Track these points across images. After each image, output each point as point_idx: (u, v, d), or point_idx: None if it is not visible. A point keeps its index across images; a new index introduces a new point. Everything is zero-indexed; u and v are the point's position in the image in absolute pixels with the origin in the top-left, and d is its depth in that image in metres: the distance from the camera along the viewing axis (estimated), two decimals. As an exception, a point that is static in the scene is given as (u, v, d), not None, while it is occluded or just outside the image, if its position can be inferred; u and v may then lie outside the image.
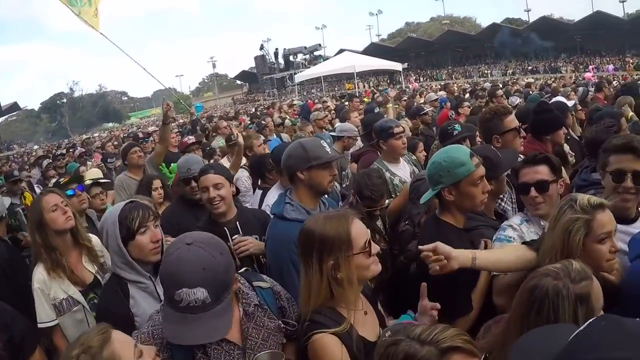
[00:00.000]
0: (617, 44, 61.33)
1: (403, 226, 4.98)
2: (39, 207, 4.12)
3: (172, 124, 10.75)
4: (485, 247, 3.38)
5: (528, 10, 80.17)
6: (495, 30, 68.23)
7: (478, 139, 5.91)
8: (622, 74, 36.19)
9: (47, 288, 3.93)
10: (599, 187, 3.93)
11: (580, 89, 12.91)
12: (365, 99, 18.61)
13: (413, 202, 4.81)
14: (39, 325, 3.87)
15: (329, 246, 2.55)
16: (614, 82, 17.44)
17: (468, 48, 74.16)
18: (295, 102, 28.91)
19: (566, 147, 5.91)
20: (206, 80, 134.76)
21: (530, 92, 14.93)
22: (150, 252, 3.20)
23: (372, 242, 2.67)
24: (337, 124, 9.19)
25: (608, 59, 56.13)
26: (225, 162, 7.88)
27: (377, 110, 10.85)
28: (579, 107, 8.71)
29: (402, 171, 5.86)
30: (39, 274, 3.97)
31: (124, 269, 3.21)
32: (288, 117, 15.94)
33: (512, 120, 5.05)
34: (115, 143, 18.29)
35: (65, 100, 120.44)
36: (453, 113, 8.91)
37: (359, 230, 2.63)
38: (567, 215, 2.82)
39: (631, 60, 43.06)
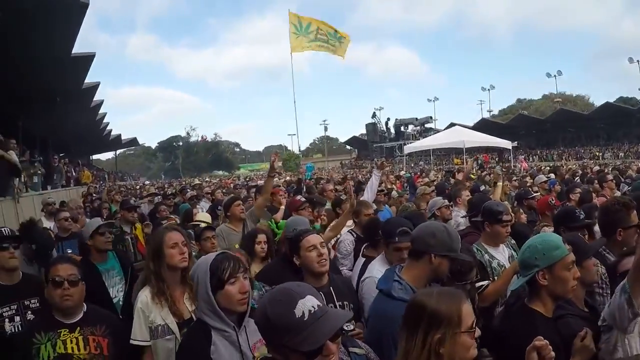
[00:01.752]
0: None
1: (499, 312, 4.95)
2: (160, 240, 4.37)
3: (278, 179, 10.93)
4: (584, 338, 3.28)
5: (643, 89, 77.33)
6: (608, 109, 66.67)
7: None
8: None
9: (147, 310, 4.14)
10: None
11: None
12: (472, 175, 18.27)
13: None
14: (131, 342, 4.08)
15: (439, 320, 2.56)
16: None
17: (580, 128, 72.48)
18: (402, 173, 28.95)
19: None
20: (317, 142, 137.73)
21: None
22: (238, 302, 3.26)
23: (476, 327, 2.67)
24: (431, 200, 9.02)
25: None
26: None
27: (482, 187, 10.78)
28: None
29: (502, 255, 5.73)
30: (144, 296, 4.21)
31: (210, 316, 3.27)
32: (395, 189, 15.79)
33: (636, 215, 4.98)
34: (225, 190, 18.80)
35: (181, 143, 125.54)
36: (553, 199, 8.67)
37: (469, 310, 2.64)
38: None
39: None
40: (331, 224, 7.59)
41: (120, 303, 5.68)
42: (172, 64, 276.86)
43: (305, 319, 2.29)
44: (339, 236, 7.55)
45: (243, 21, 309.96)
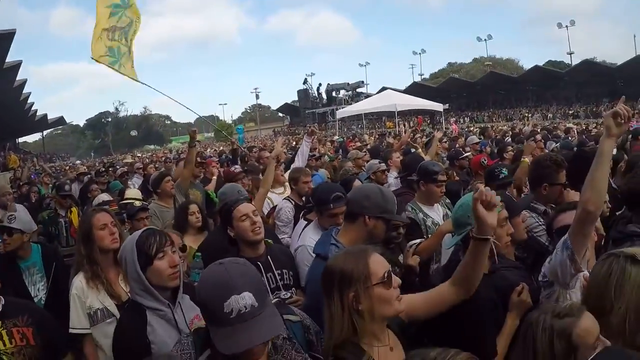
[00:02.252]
0: (661, 89, 60.46)
1: (434, 270, 5.02)
2: (89, 222, 4.31)
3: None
4: (521, 292, 3.43)
5: (571, 53, 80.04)
6: (537, 73, 68.30)
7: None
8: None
9: (84, 296, 4.07)
10: (635, 240, 3.96)
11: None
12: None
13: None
14: (71, 331, 3.99)
15: (349, 278, 2.58)
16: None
17: (510, 90, 74.01)
18: (335, 138, 29.01)
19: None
20: (249, 111, 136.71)
21: (570, 138, 14.74)
22: (169, 277, 3.19)
23: (392, 274, 2.67)
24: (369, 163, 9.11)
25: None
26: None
27: (412, 150, 10.93)
28: (625, 157, 8.51)
29: (436, 213, 5.85)
30: (78, 281, 4.12)
31: (142, 295, 3.19)
32: (328, 154, 15.79)
33: (564, 175, 5.16)
34: (157, 165, 18.43)
35: (110, 119, 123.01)
36: (485, 159, 8.84)
37: (378, 262, 2.65)
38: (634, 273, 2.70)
39: None
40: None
41: (42, 302, 5.39)
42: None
43: (231, 317, 2.24)
44: (275, 204, 7.53)
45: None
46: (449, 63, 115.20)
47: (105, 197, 8.68)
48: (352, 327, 2.58)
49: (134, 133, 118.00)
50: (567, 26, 78.20)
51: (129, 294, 3.87)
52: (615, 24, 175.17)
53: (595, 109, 61.92)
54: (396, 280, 2.67)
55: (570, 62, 78.08)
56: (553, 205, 5.00)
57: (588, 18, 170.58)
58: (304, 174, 7.49)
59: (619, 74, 65.13)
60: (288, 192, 7.80)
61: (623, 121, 3.05)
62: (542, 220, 4.85)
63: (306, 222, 5.65)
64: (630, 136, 11.53)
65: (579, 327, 2.39)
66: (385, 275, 2.61)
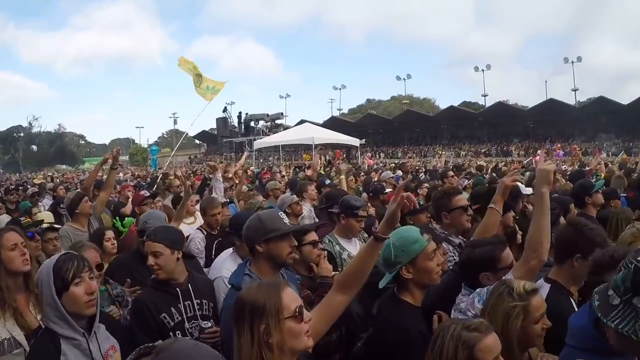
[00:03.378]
0: (567, 131, 64.47)
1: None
2: None
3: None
4: (440, 321, 3.48)
5: (485, 95, 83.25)
6: (452, 112, 70.33)
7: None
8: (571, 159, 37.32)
9: None
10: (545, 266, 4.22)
11: (528, 173, 13.29)
12: (321, 171, 18.60)
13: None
14: None
15: (260, 310, 2.55)
16: (563, 167, 18.00)
17: (425, 128, 75.62)
18: (252, 168, 28.90)
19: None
20: (165, 136, 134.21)
21: (480, 174, 15.13)
22: (85, 304, 3.11)
23: (304, 309, 2.67)
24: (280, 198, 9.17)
25: (558, 144, 57.87)
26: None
27: (327, 181, 11.06)
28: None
29: (353, 247, 5.91)
30: None
31: (57, 323, 3.09)
32: (245, 183, 15.57)
33: (460, 199, 5.43)
34: (69, 186, 17.88)
35: (22, 134, 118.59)
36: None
37: (291, 296, 2.65)
38: (505, 302, 3.02)
39: (578, 147, 45.01)
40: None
41: None
42: (17, 47, 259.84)
43: None
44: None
45: (94, 3, 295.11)
46: (367, 99, 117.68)
47: (5, 218, 8.33)
48: (260, 359, 2.55)
49: (34, 148, 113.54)
50: (483, 70, 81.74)
51: (40, 321, 3.66)
52: (528, 70, 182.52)
53: (506, 148, 64.70)
54: (307, 315, 2.68)
55: (484, 104, 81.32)
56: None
57: (503, 63, 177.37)
58: (213, 205, 7.50)
59: (529, 116, 68.15)
60: (199, 222, 7.78)
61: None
62: (457, 252, 5.01)
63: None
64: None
65: (483, 343, 2.59)
66: (297, 309, 2.61)
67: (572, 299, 3.82)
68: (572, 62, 75.62)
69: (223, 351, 3.08)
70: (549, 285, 3.79)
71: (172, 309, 4.24)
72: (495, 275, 3.65)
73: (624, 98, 62.72)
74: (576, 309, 3.63)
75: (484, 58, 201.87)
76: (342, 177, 11.03)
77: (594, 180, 8.73)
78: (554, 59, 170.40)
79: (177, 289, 4.28)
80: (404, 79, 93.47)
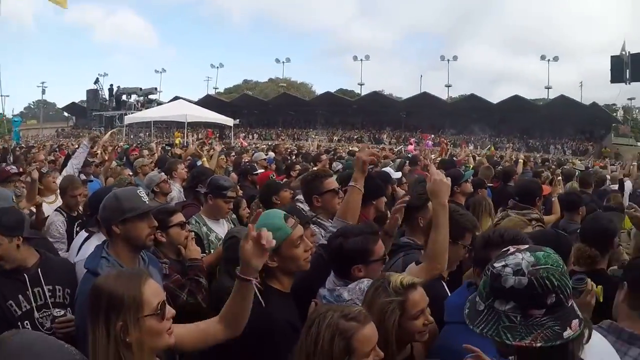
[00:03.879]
0: (438, 123, 67.08)
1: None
2: None
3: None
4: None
5: (362, 84, 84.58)
6: (328, 98, 71.19)
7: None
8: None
9: None
10: (407, 250, 4.59)
11: (398, 160, 13.65)
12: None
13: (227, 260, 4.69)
14: None
15: (118, 305, 2.35)
16: (432, 156, 18.69)
17: (300, 112, 75.96)
18: (120, 144, 27.95)
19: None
20: (32, 107, 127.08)
21: (352, 159, 15.35)
22: None
23: (167, 305, 2.50)
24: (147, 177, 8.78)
25: (429, 135, 60.29)
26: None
27: (199, 162, 10.84)
28: (405, 180, 9.09)
29: (221, 228, 5.76)
30: None
31: None
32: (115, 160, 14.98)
33: (331, 182, 5.30)
34: None
35: None
36: (274, 175, 9.01)
37: (153, 291, 2.46)
38: (381, 297, 2.95)
39: (446, 139, 47.28)
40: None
41: None
42: None
43: None
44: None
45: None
46: (244, 80, 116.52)
47: None
48: (117, 358, 2.35)
49: None
50: (362, 60, 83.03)
51: None
52: (406, 64, 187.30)
53: (378, 135, 66.54)
54: (170, 311, 2.51)
55: (360, 92, 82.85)
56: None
57: (382, 55, 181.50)
58: (74, 185, 6.94)
59: (403, 107, 70.22)
60: (60, 201, 7.24)
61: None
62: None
63: (87, 235, 5.15)
64: (408, 162, 12.41)
65: (360, 333, 2.50)
66: (159, 306, 2.43)
67: (443, 282, 3.93)
68: (448, 60, 78.85)
69: (78, 340, 2.93)
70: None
71: (20, 296, 3.89)
72: (367, 268, 3.54)
73: (494, 98, 66.72)
74: (448, 292, 3.76)
75: (363, 48, 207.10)
76: (215, 156, 10.84)
77: (463, 170, 9.09)
78: (431, 56, 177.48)
79: (25, 275, 3.93)
80: (284, 62, 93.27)
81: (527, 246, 2.15)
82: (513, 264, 2.01)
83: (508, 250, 2.11)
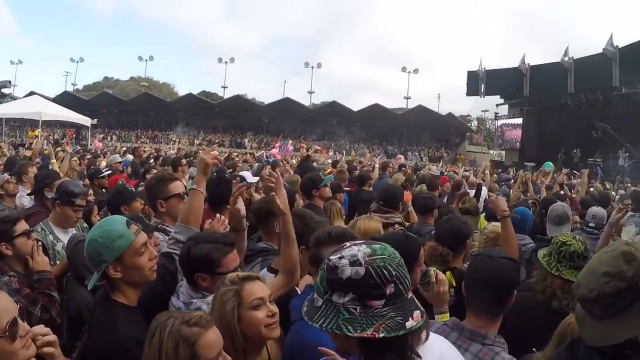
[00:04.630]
0: (300, 129, 67.90)
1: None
2: None
3: None
4: None
5: (225, 87, 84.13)
6: (190, 100, 70.26)
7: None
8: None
9: None
10: (265, 255, 4.62)
11: (256, 164, 13.72)
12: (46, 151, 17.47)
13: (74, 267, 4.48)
14: None
15: None
16: (293, 161, 18.89)
17: (161, 114, 74.35)
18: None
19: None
20: None
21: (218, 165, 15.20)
22: None
23: (18, 321, 2.24)
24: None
25: (290, 140, 60.93)
26: None
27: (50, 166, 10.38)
28: (261, 185, 9.08)
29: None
30: None
31: None
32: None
33: (176, 186, 5.07)
34: None
35: None
36: (124, 180, 8.73)
37: (4, 308, 2.21)
38: (220, 290, 2.97)
39: (305, 145, 47.93)
40: None
41: None
42: None
43: None
44: None
45: None
46: (105, 77, 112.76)
47: None
48: None
49: None
50: (226, 62, 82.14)
51: None
52: (270, 69, 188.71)
53: (239, 139, 66.63)
54: (24, 327, 2.28)
55: (223, 95, 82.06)
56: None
57: (247, 58, 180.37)
58: None
59: (265, 112, 70.37)
60: None
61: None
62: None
63: None
64: (269, 166, 12.52)
65: (203, 339, 2.48)
66: (7, 325, 2.19)
67: (297, 287, 3.89)
68: (312, 67, 79.08)
69: None
70: (274, 275, 3.83)
71: None
72: (212, 279, 3.40)
73: (355, 105, 68.21)
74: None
75: (229, 51, 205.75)
76: (53, 161, 10.41)
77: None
78: (296, 62, 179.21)
79: None
80: (147, 60, 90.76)
81: (361, 240, 2.16)
82: (349, 255, 2.00)
83: (344, 245, 2.11)
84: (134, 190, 6.85)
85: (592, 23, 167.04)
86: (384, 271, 1.97)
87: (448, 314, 3.72)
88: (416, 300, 2.09)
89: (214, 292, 3.06)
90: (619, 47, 40.46)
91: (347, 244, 2.11)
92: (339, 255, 2.03)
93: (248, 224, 4.70)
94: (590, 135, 40.98)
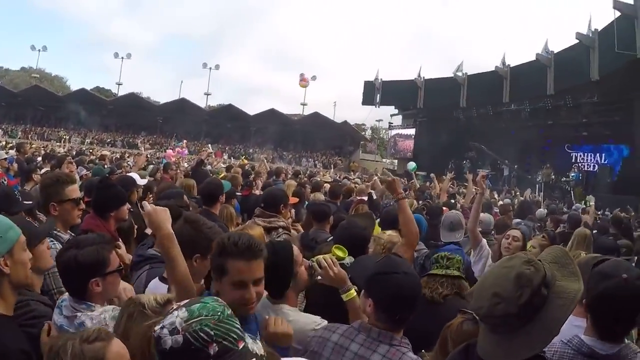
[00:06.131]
0: (194, 130, 66.39)
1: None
2: None
3: None
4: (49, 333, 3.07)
5: (120, 84, 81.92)
6: (83, 96, 68.07)
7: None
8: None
9: None
10: (154, 262, 4.43)
11: (151, 166, 13.50)
12: None
13: None
14: None
15: None
16: (185, 164, 18.60)
17: (52, 108, 71.41)
18: None
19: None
20: None
21: (105, 166, 14.76)
22: None
23: None
24: None
25: (185, 142, 60.20)
26: None
27: None
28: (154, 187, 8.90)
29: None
30: None
31: None
32: None
33: (73, 190, 4.87)
34: None
35: None
36: (5, 179, 8.39)
37: None
38: (140, 324, 2.70)
39: (204, 148, 47.71)
40: None
41: None
42: None
43: None
44: None
45: None
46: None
47: None
48: None
49: None
50: (123, 57, 79.90)
51: None
52: (168, 67, 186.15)
53: (132, 139, 64.98)
54: None
55: (117, 92, 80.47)
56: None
57: (145, 55, 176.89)
58: None
59: (160, 112, 69.33)
60: None
61: None
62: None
63: None
64: (162, 167, 12.40)
65: (110, 351, 2.38)
66: None
67: None
68: (210, 69, 78.79)
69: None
70: (166, 285, 3.66)
71: None
72: (104, 281, 3.25)
73: (251, 109, 68.08)
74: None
75: (126, 46, 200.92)
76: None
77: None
78: (194, 62, 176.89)
79: None
80: (40, 50, 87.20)
81: (186, 301, 2.15)
82: (168, 324, 2.00)
83: (171, 309, 2.11)
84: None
85: (486, 42, 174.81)
86: (201, 334, 1.97)
87: (353, 290, 3.83)
88: (252, 348, 2.09)
89: (126, 325, 2.76)
90: (511, 66, 42.73)
91: (174, 306, 2.15)
92: (161, 325, 2.03)
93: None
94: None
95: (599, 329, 2.96)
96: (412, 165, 19.87)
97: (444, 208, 9.77)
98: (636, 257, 7.26)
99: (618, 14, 29.37)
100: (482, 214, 8.13)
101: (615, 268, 2.93)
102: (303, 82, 71.22)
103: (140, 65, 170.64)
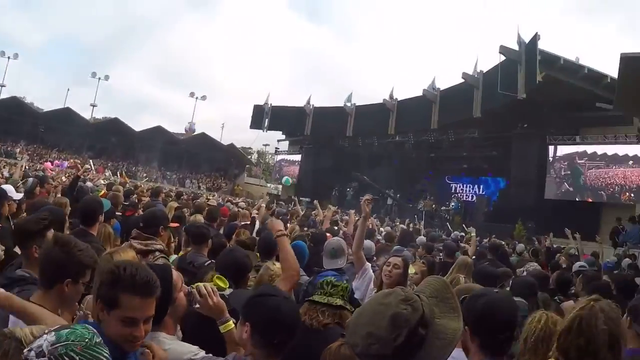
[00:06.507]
0: (77, 142, 64.08)
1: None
2: None
3: None
4: None
5: (3, 86, 76.50)
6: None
7: None
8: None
9: None
10: (23, 285, 3.95)
11: (30, 179, 12.96)
12: None
13: None
14: None
15: None
16: (63, 178, 17.88)
17: None
18: None
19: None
20: None
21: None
22: None
23: None
24: None
25: (66, 155, 58.05)
26: None
27: None
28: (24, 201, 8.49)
29: None
30: None
31: None
32: None
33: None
34: None
35: None
36: None
37: None
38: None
39: (80, 162, 45.81)
40: None
41: None
42: None
43: None
44: None
45: None
46: None
47: None
48: None
49: None
50: (9, 57, 74.16)
51: None
52: (55, 72, 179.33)
53: (11, 149, 61.53)
54: None
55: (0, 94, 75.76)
56: None
57: (33, 57, 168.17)
58: None
59: (43, 120, 65.55)
60: None
61: None
62: None
63: None
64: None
65: None
66: None
67: None
68: (100, 79, 76.04)
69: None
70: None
71: None
72: None
73: (138, 125, 66.51)
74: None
75: (13, 45, 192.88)
76: None
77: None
78: (83, 71, 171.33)
79: None
80: None
81: (57, 327, 2.14)
82: (36, 347, 1.99)
83: (43, 332, 2.10)
84: None
85: (376, 76, 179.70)
86: (66, 357, 1.97)
87: (231, 322, 3.70)
88: None
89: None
90: (398, 99, 44.26)
91: (45, 331, 2.11)
92: (29, 347, 2.02)
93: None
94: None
95: (489, 347, 3.02)
96: (286, 179, 20.01)
97: (328, 234, 9.76)
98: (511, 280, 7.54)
99: (503, 57, 31.53)
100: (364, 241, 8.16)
101: (485, 289, 3.19)
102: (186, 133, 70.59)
103: (26, 67, 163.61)
